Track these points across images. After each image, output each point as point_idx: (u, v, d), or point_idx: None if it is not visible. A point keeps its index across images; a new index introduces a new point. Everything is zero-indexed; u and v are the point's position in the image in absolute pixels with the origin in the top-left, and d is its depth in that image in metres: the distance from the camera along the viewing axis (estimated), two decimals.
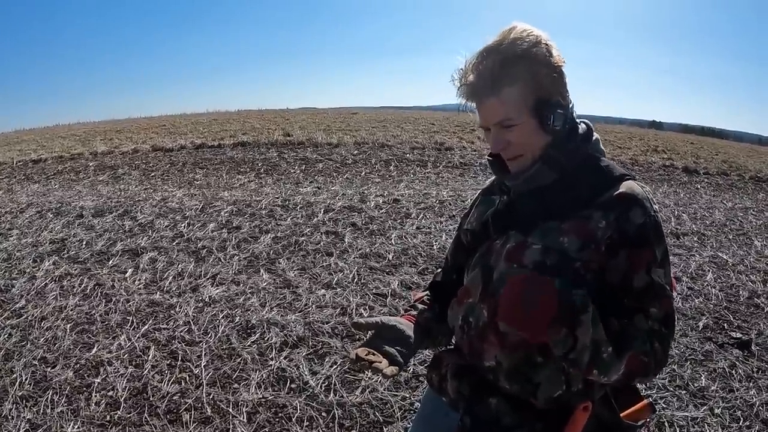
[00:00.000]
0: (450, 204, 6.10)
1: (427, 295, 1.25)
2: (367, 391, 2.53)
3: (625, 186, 0.97)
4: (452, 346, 1.21)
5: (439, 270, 1.32)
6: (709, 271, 4.34)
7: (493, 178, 1.20)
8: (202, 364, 2.75)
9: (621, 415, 1.01)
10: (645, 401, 1.05)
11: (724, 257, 4.76)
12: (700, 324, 3.34)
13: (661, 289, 0.93)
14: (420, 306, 1.20)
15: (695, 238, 5.36)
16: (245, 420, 2.33)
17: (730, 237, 5.58)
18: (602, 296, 0.93)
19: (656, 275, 0.93)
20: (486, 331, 1.01)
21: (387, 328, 1.09)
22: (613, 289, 0.95)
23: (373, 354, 1.01)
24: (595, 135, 1.07)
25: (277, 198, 6.31)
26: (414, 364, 2.71)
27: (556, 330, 0.84)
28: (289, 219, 5.40)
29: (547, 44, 0.95)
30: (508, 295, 0.87)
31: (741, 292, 3.94)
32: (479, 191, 1.23)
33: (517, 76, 0.94)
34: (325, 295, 3.57)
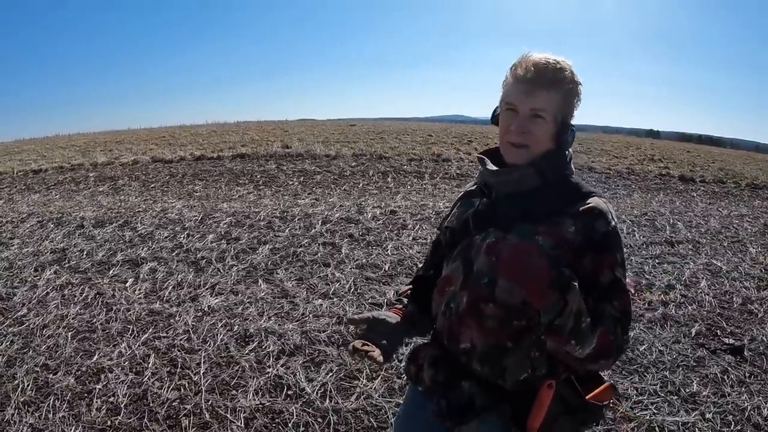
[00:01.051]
0: None
1: (410, 288, 1.40)
2: (362, 397, 2.57)
3: (592, 201, 1.13)
4: (428, 341, 1.35)
5: (421, 265, 1.47)
6: (702, 278, 4.37)
7: (473, 183, 1.34)
8: (201, 372, 2.79)
9: (586, 397, 1.14)
10: (607, 383, 1.16)
11: (719, 264, 4.79)
12: (693, 331, 3.37)
13: (622, 285, 1.09)
14: (405, 300, 1.37)
15: (690, 246, 5.39)
16: (243, 425, 2.38)
17: (725, 244, 5.60)
18: None
19: (618, 273, 1.09)
20: (465, 316, 1.16)
21: (377, 322, 1.25)
22: (582, 284, 1.05)
23: (368, 345, 1.18)
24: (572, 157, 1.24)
25: (276, 209, 6.37)
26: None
27: (551, 292, 0.97)
28: (287, 230, 5.45)
29: (582, 88, 1.17)
30: (513, 257, 1.00)
31: (735, 299, 3.97)
32: (461, 194, 1.37)
33: (564, 91, 1.13)
34: (321, 304, 3.62)
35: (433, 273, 1.36)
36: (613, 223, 1.12)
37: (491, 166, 1.21)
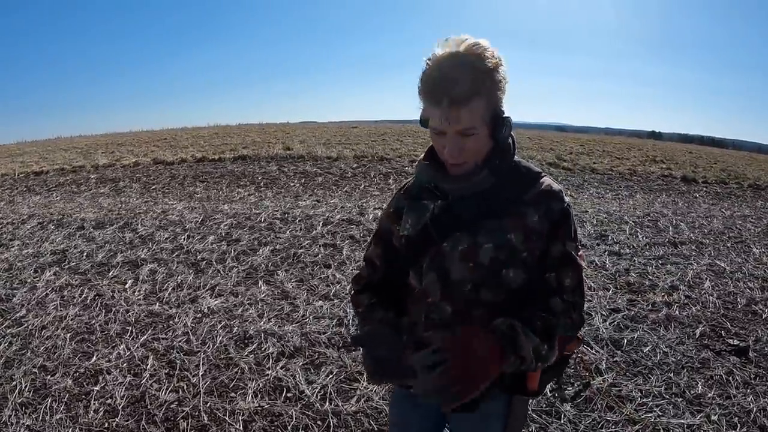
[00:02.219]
0: None
1: (371, 301, 1.29)
2: (362, 400, 2.54)
3: (545, 183, 1.14)
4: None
5: (361, 274, 1.36)
6: (706, 279, 4.32)
7: (410, 181, 1.29)
8: (200, 374, 2.77)
9: (564, 353, 1.21)
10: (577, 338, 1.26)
11: (722, 265, 4.74)
12: (697, 332, 3.32)
13: (573, 259, 1.12)
14: (380, 311, 1.26)
15: (693, 247, 5.35)
16: (241, 428, 2.35)
17: (728, 245, 5.55)
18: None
19: (569, 247, 1.12)
20: (453, 323, 1.14)
21: (378, 336, 1.16)
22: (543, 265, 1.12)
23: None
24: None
25: (277, 211, 6.35)
26: None
27: (507, 363, 1.01)
28: (288, 232, 5.43)
29: (503, 65, 1.05)
30: (459, 365, 0.96)
31: (739, 300, 3.92)
32: (398, 197, 1.29)
33: (485, 90, 1.02)
34: (322, 306, 3.59)
35: (387, 280, 1.29)
36: (566, 200, 1.14)
37: (436, 175, 1.16)
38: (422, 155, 1.22)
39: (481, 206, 1.12)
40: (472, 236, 1.12)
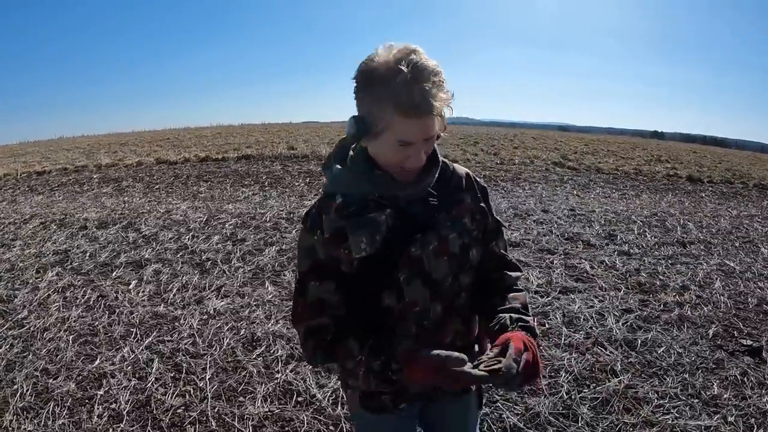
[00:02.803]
0: None
1: (359, 341, 1.12)
2: None
3: (458, 169, 1.25)
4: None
5: (321, 323, 1.16)
6: (716, 279, 4.28)
7: (327, 199, 1.14)
8: (207, 377, 2.72)
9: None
10: None
11: (732, 265, 4.70)
12: (710, 332, 3.28)
13: (501, 223, 1.31)
14: (394, 342, 1.13)
15: (702, 247, 5.31)
16: None
17: (737, 245, 5.52)
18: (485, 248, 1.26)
19: (496, 215, 1.29)
20: (444, 320, 1.20)
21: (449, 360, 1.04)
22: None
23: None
24: None
25: (282, 210, 6.32)
26: None
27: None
28: (293, 231, 5.38)
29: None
30: (533, 358, 1.04)
31: (750, 299, 3.88)
32: (330, 219, 1.12)
33: (447, 95, 1.01)
34: None
35: (345, 313, 1.16)
36: (479, 178, 1.29)
37: (389, 184, 1.10)
38: (340, 167, 1.14)
39: (431, 204, 1.16)
40: (437, 232, 1.15)
